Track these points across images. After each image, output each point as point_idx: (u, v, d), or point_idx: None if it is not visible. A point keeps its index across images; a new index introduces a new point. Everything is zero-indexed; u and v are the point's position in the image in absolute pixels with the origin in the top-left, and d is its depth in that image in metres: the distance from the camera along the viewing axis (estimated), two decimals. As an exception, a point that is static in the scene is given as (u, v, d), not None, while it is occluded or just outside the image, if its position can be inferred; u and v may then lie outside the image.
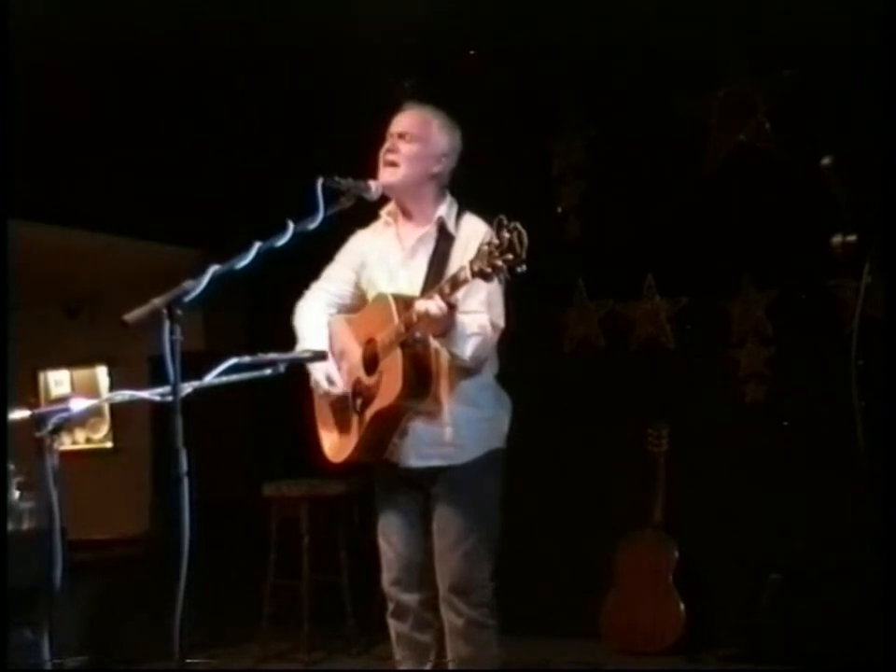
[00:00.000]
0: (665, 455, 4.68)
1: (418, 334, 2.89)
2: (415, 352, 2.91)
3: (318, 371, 3.08)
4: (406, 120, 3.10)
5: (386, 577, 3.17)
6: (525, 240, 2.47)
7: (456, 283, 2.71)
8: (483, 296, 2.91)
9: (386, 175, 3.05)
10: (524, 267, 2.49)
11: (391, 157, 3.06)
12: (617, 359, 4.99)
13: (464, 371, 3.00)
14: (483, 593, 3.05)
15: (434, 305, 2.73)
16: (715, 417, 4.66)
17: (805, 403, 4.37)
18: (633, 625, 4.57)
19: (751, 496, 4.49)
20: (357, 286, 3.23)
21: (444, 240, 3.05)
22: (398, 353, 2.89)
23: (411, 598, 3.13)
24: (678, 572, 4.53)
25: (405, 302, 2.91)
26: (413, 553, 3.12)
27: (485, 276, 2.57)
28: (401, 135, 3.07)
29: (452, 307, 2.76)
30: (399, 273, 3.10)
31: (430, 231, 3.09)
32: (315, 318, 3.20)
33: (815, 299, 4.35)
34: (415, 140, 3.07)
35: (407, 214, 3.14)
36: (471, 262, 2.60)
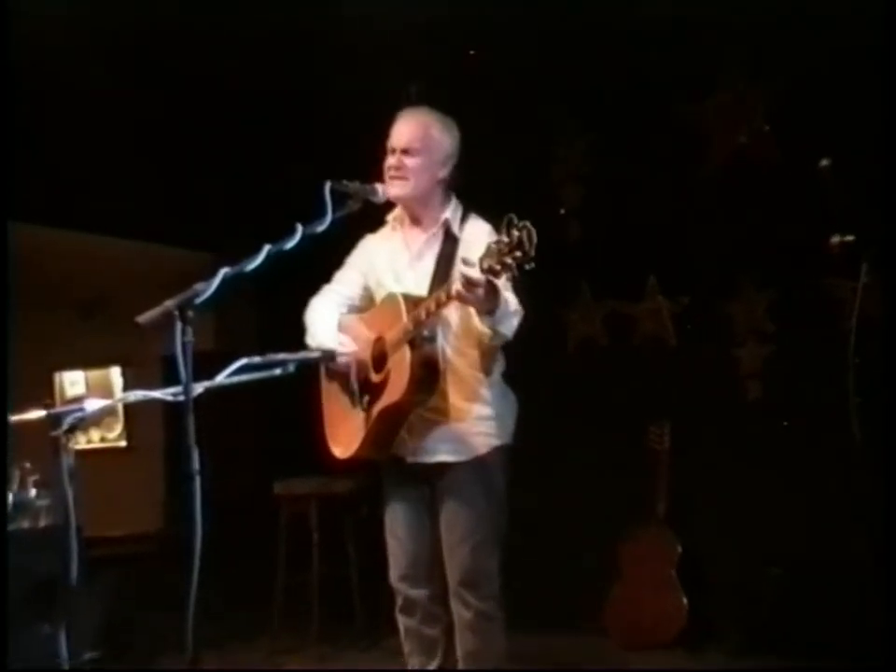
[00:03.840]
0: (667, 451, 4.67)
1: (426, 333, 2.90)
2: (423, 349, 2.92)
3: (331, 343, 3.09)
4: (406, 134, 3.07)
5: (394, 573, 3.17)
6: (535, 238, 2.47)
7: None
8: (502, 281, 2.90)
9: (396, 189, 3.04)
10: (532, 264, 2.49)
11: (398, 172, 3.05)
12: (620, 358, 4.99)
13: (473, 369, 3.03)
14: (491, 586, 3.06)
15: (476, 272, 2.62)
16: (716, 415, 4.65)
17: (804, 401, 4.36)
18: (636, 619, 4.57)
19: (752, 491, 4.47)
20: (366, 288, 3.25)
21: (449, 242, 3.06)
22: (405, 350, 2.90)
23: (419, 593, 3.14)
24: (680, 567, 4.52)
25: (414, 302, 2.92)
26: (419, 547, 3.13)
27: (495, 273, 2.57)
28: (405, 151, 3.05)
29: (492, 282, 2.65)
30: (405, 275, 3.12)
31: (436, 233, 3.10)
32: (325, 315, 3.22)
33: (813, 298, 4.34)
34: (420, 153, 3.05)
35: (414, 219, 3.15)
36: (481, 260, 2.59)
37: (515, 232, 2.49)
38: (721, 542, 4.55)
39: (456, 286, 2.68)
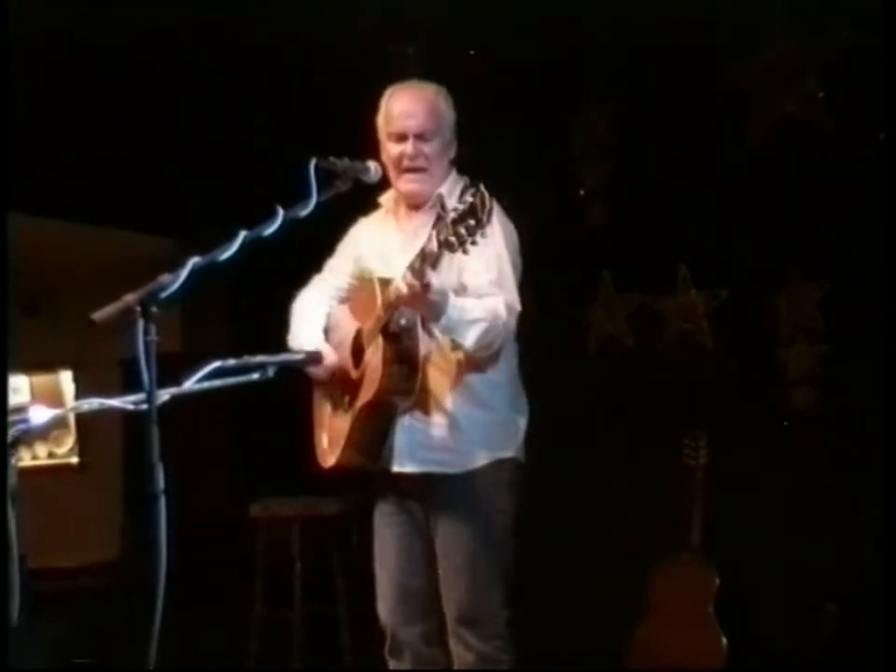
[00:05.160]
0: (703, 468, 4.66)
1: (403, 321, 2.91)
2: (399, 340, 2.93)
3: (313, 345, 3.13)
4: (420, 115, 3.04)
5: (381, 607, 3.18)
6: (488, 202, 2.52)
7: (425, 257, 2.71)
8: (493, 275, 2.93)
9: (418, 184, 3.07)
10: (486, 233, 2.55)
11: (418, 162, 3.04)
12: (648, 360, 4.99)
13: (474, 365, 3.02)
14: (495, 623, 3.06)
15: (403, 284, 2.72)
16: (760, 426, 4.64)
17: (861, 410, 4.35)
18: (667, 663, 4.56)
19: (802, 515, 4.47)
20: (356, 276, 3.26)
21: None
22: (379, 341, 2.92)
23: (409, 632, 3.15)
24: (718, 601, 4.52)
25: (388, 285, 2.94)
26: (409, 577, 3.15)
27: (450, 246, 2.59)
28: (420, 136, 3.03)
29: (425, 286, 2.72)
30: (396, 259, 3.11)
31: (432, 209, 3.10)
32: (311, 311, 3.26)
33: (872, 291, 4.33)
34: (436, 135, 3.06)
35: (415, 204, 3.16)
36: (437, 231, 2.62)
37: (468, 198, 2.54)
38: (765, 574, 4.53)
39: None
